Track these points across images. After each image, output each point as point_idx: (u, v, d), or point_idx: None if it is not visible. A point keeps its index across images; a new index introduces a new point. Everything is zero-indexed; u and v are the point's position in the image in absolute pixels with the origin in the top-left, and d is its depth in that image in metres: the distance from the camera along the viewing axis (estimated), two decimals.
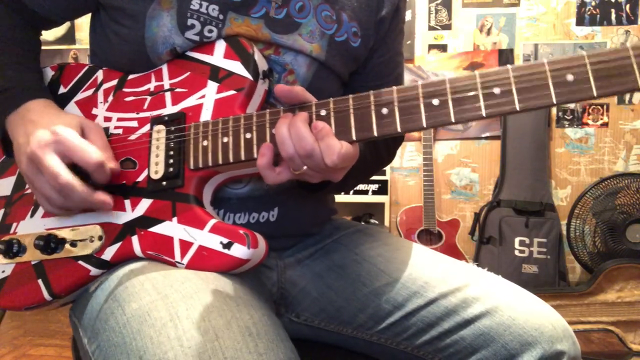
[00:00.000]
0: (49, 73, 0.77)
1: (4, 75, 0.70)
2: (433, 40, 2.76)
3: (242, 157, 0.61)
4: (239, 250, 0.59)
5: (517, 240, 2.48)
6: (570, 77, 0.48)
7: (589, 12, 2.66)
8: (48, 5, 0.73)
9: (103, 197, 0.63)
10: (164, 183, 0.65)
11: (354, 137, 0.56)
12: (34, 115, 0.66)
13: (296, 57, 0.72)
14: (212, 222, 0.62)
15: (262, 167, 0.58)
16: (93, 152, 0.61)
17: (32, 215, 0.71)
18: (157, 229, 0.64)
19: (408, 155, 2.80)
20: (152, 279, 0.58)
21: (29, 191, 0.72)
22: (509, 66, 0.51)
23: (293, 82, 0.72)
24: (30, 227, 0.70)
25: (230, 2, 0.67)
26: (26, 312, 2.49)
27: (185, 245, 0.62)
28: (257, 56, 0.67)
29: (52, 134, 0.60)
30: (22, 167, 0.63)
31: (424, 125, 0.53)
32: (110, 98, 0.72)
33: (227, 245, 0.60)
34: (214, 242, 0.60)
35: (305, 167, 0.56)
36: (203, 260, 0.61)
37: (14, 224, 0.71)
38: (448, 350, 0.69)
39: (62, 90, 0.75)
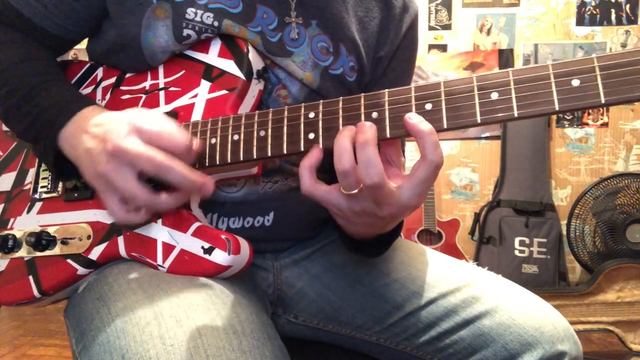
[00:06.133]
0: None
1: (39, 96, 0.63)
2: (433, 40, 2.76)
3: (229, 160, 0.59)
4: (219, 256, 0.58)
5: (517, 240, 2.47)
6: (575, 82, 0.44)
7: (589, 12, 2.66)
8: (62, 22, 0.69)
9: (203, 178, 0.55)
10: (152, 184, 0.64)
11: None
12: (95, 119, 0.58)
13: (289, 76, 0.70)
14: (195, 225, 0.60)
15: (304, 167, 0.51)
16: (180, 134, 0.54)
17: (28, 212, 0.71)
18: (142, 230, 0.63)
19: (408, 155, 2.79)
20: (138, 278, 0.58)
21: (27, 187, 0.73)
22: (509, 69, 0.48)
23: (285, 97, 0.71)
24: (25, 223, 0.70)
25: (226, 12, 0.66)
26: (26, 312, 2.50)
27: (168, 249, 0.61)
28: (252, 55, 0.66)
29: (129, 124, 0.54)
30: (100, 169, 0.55)
31: None
32: (108, 96, 0.72)
33: (208, 251, 0.58)
34: (196, 246, 0.59)
35: (356, 190, 0.49)
36: (184, 265, 0.59)
37: (12, 220, 0.72)
38: (448, 351, 0.69)
39: None
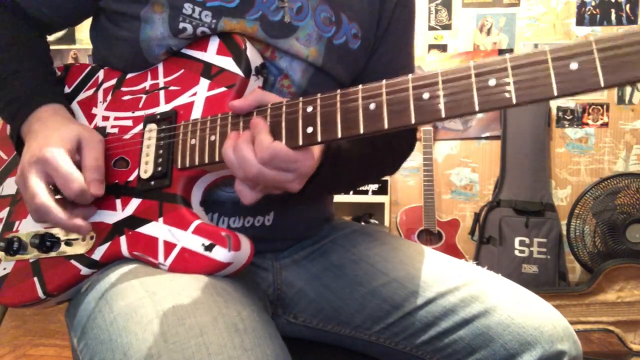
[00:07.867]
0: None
1: (12, 85, 0.69)
2: (433, 40, 2.76)
3: None
4: (219, 253, 0.58)
5: (517, 240, 2.47)
6: (574, 66, 0.43)
7: (589, 12, 2.66)
8: (49, 12, 0.74)
9: (79, 223, 0.62)
10: (152, 183, 0.64)
11: (339, 135, 0.53)
12: (39, 125, 0.66)
13: (292, 62, 0.70)
14: (196, 223, 0.60)
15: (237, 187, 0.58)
16: (74, 181, 0.60)
17: None
18: (143, 229, 0.63)
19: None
20: (141, 277, 0.58)
21: None
22: (507, 55, 0.46)
23: (288, 86, 0.71)
24: (30, 225, 0.71)
25: (224, 8, 0.66)
26: (26, 312, 2.49)
27: (169, 247, 0.61)
28: (250, 51, 0.66)
29: (40, 152, 0.60)
30: (15, 179, 0.64)
31: (412, 121, 0.49)
32: (109, 97, 0.73)
33: (209, 248, 0.58)
34: (196, 243, 0.59)
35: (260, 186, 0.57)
36: (185, 262, 0.60)
37: (17, 222, 0.72)
38: (447, 350, 0.69)
39: (66, 90, 0.77)
